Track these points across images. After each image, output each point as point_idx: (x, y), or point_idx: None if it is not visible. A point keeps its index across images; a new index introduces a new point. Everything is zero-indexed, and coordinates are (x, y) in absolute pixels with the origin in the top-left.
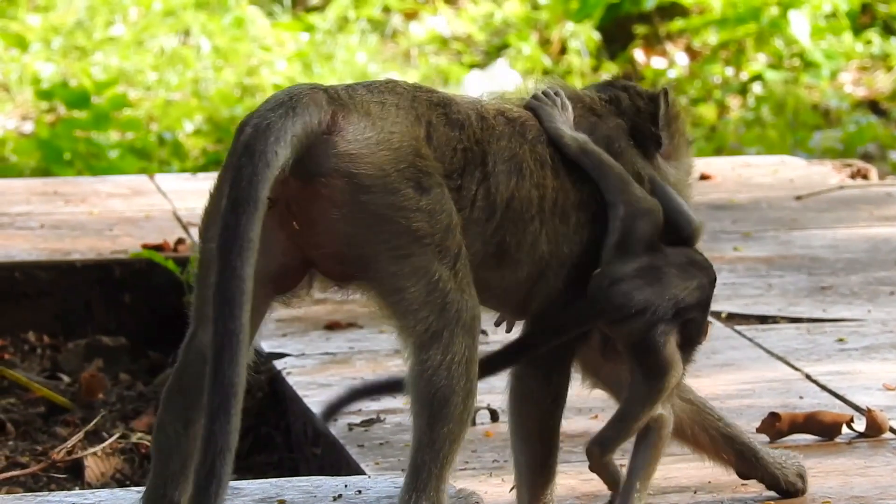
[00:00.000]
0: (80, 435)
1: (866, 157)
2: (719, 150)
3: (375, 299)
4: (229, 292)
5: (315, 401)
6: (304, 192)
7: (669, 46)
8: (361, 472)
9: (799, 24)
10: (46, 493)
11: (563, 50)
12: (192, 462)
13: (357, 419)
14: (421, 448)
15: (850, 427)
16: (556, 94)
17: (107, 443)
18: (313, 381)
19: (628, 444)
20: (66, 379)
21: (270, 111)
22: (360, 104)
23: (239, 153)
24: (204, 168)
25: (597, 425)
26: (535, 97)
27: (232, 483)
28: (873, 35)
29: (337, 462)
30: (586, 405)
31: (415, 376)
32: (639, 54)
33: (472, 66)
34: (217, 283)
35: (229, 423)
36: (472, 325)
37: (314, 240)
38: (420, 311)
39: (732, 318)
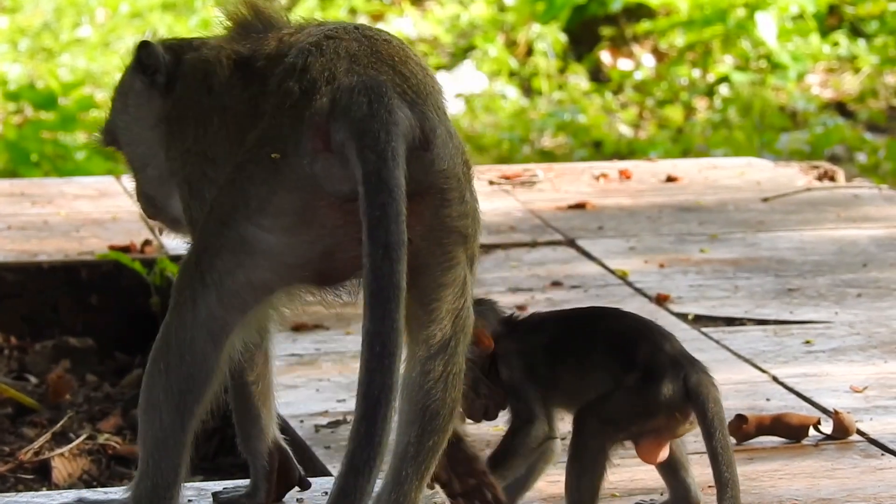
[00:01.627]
0: (48, 436)
1: (833, 159)
2: (686, 152)
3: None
4: (390, 345)
5: (281, 402)
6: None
7: (636, 48)
8: (328, 474)
9: (766, 25)
10: (13, 493)
11: (530, 51)
12: None
13: (324, 421)
14: (406, 459)
15: (817, 429)
16: None
17: (74, 444)
18: (280, 383)
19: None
20: (33, 380)
21: (379, 124)
22: (434, 108)
23: (374, 185)
24: None
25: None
26: None
27: (198, 484)
28: (840, 37)
29: (303, 463)
30: None
31: (414, 386)
32: (605, 56)
33: (438, 67)
34: (375, 332)
35: (370, 481)
36: (470, 332)
37: None
38: (444, 320)
39: (699, 320)
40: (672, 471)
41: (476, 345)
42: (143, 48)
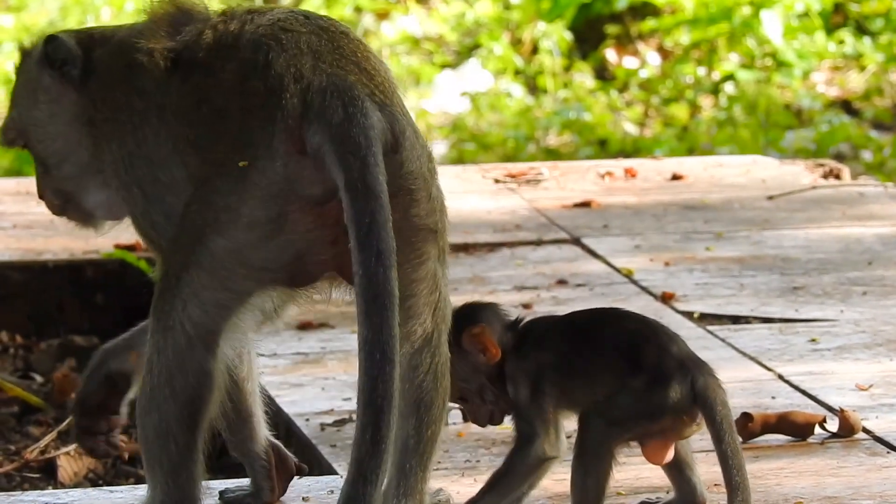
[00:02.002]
0: (53, 435)
1: (839, 157)
2: (691, 151)
3: None
4: (389, 352)
5: (287, 400)
6: None
7: (641, 46)
8: (333, 472)
9: (771, 23)
10: (19, 492)
11: (535, 50)
12: None
13: (329, 419)
14: (408, 452)
15: (822, 427)
16: None
17: None
18: (285, 381)
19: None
20: (38, 379)
21: (357, 129)
22: (400, 108)
23: (362, 192)
24: None
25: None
26: None
27: (204, 483)
28: (846, 35)
29: (309, 462)
30: None
31: (405, 382)
32: (611, 54)
33: (443, 66)
34: (374, 341)
35: (377, 488)
36: (449, 322)
37: None
38: (422, 314)
39: (705, 319)
40: (678, 470)
41: (483, 353)
42: (51, 42)
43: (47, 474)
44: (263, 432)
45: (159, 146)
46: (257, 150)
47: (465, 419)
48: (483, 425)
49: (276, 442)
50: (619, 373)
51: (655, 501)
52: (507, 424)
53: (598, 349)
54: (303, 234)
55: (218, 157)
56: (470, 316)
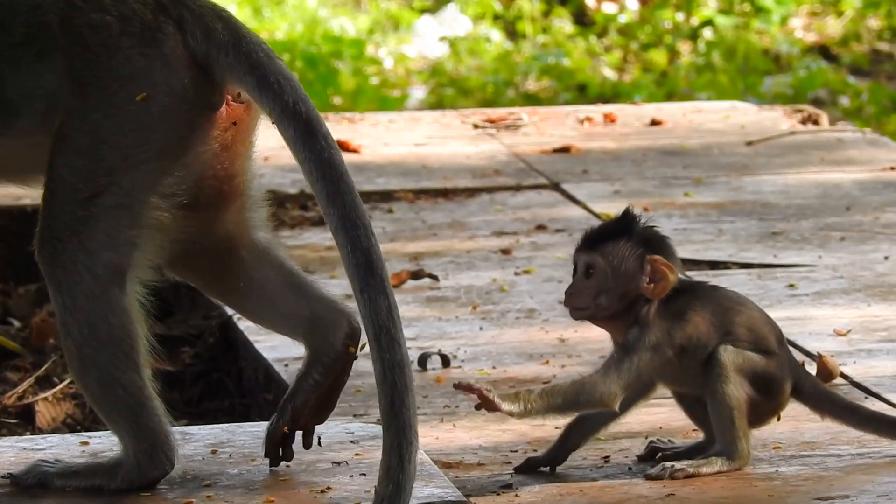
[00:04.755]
0: (31, 380)
1: (817, 103)
2: (670, 96)
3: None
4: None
5: (266, 346)
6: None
7: None
8: None
9: None
10: None
11: None
12: None
13: None
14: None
15: None
16: None
17: (58, 388)
18: (263, 328)
19: None
20: (16, 324)
21: (248, 45)
22: None
23: (320, 141)
24: None
25: (547, 371)
26: None
27: (183, 428)
28: None
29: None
30: (537, 351)
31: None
32: None
33: (422, 11)
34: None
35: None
36: None
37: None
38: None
39: (684, 264)
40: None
41: (651, 283)
42: None
43: (25, 420)
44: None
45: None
46: (150, 77)
47: (445, 364)
48: (566, 304)
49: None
50: None
51: (667, 444)
52: (487, 369)
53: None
54: (207, 146)
55: (107, 96)
56: (667, 248)
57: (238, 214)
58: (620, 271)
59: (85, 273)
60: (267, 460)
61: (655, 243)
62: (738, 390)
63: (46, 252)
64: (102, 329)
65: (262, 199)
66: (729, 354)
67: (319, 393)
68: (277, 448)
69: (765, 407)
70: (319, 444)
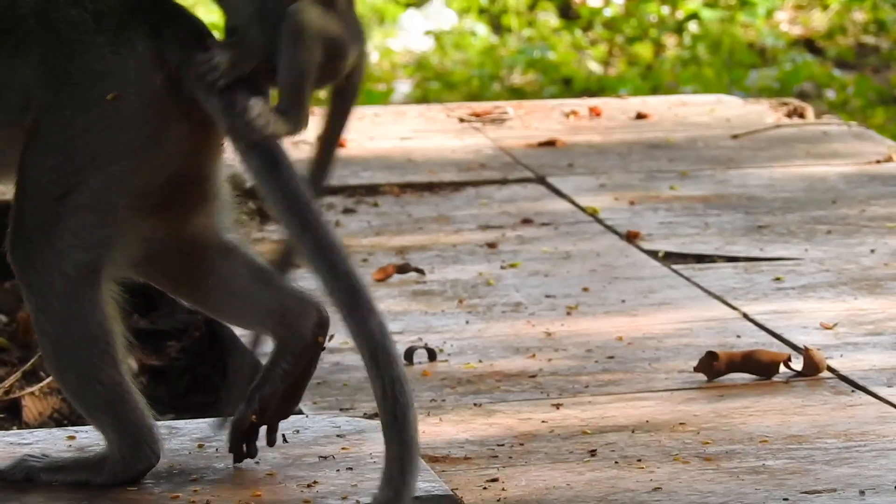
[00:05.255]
0: (18, 375)
1: (802, 96)
2: (655, 90)
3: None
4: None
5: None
6: None
7: None
8: (299, 412)
9: None
10: None
11: None
12: None
13: None
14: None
15: (787, 366)
16: None
17: (44, 382)
18: None
19: None
20: (3, 319)
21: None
22: None
23: (285, 171)
24: None
25: (533, 364)
26: None
27: (170, 423)
28: None
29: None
30: (523, 344)
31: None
32: None
33: (408, 4)
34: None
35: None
36: None
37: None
38: None
39: (669, 257)
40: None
41: None
42: None
43: (12, 414)
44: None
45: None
46: (123, 76)
47: (431, 358)
48: None
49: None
50: None
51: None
52: (473, 363)
53: None
54: (178, 148)
55: (79, 92)
56: None
57: (207, 216)
58: None
59: (56, 273)
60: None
61: None
62: (313, 55)
63: (18, 253)
64: (77, 328)
65: (231, 201)
66: (310, 14)
67: (287, 383)
68: (242, 442)
69: (327, 70)
70: (284, 440)
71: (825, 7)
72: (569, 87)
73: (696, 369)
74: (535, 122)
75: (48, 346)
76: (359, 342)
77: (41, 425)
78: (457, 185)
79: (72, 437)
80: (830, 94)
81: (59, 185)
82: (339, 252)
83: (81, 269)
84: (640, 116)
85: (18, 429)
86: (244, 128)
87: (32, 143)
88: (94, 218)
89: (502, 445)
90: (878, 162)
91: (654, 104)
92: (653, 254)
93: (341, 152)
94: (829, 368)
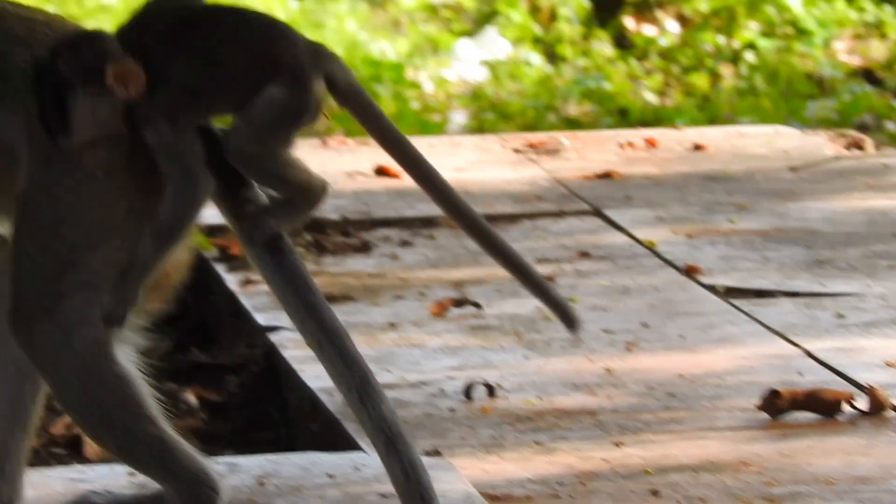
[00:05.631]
0: None
1: (862, 128)
2: (712, 120)
3: None
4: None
5: (311, 375)
6: None
7: (660, 13)
8: (359, 449)
9: None
10: (45, 468)
11: (553, 17)
12: None
13: None
14: None
15: (851, 405)
16: None
17: None
18: (309, 355)
19: None
20: None
21: None
22: None
23: (287, 255)
24: None
25: (593, 401)
26: None
27: (229, 459)
28: (866, 2)
29: (334, 438)
30: (583, 381)
31: None
32: (629, 22)
33: (461, 33)
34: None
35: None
36: None
37: None
38: None
39: (729, 293)
40: None
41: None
42: None
43: (73, 450)
44: None
45: None
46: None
47: (491, 394)
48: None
49: None
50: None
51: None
52: (533, 400)
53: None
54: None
55: (69, 168)
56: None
57: None
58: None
59: (66, 352)
60: (313, 491)
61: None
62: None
63: (22, 332)
64: (101, 400)
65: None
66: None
67: None
68: None
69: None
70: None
71: (883, 36)
72: (625, 117)
73: (760, 407)
74: (590, 153)
75: (78, 419)
76: (372, 430)
77: (102, 461)
78: (513, 218)
79: (133, 473)
80: (891, 126)
81: (56, 263)
82: (346, 336)
83: (92, 344)
84: (696, 148)
85: (80, 464)
86: (255, 233)
87: (24, 218)
88: (95, 295)
89: (563, 485)
90: None
91: (711, 135)
92: (712, 288)
93: (396, 183)
94: (894, 407)
